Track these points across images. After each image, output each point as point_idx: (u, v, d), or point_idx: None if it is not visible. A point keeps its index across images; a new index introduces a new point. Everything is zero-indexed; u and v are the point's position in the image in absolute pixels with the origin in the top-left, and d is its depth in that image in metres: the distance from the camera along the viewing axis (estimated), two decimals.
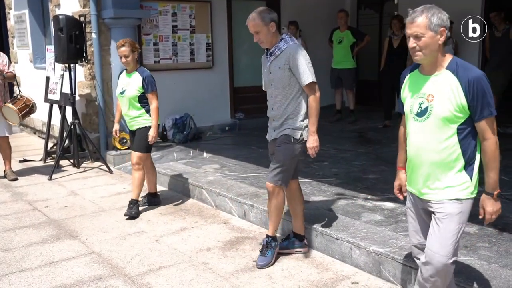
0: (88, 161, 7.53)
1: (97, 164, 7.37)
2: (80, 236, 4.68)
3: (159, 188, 6.02)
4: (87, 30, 7.33)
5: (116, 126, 5.44)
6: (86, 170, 7.14)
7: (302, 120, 3.79)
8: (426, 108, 2.60)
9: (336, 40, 9.06)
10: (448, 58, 2.60)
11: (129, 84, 4.95)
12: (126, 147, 7.16)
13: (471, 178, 2.63)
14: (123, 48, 4.85)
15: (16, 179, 6.68)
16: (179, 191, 5.93)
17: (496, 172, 2.59)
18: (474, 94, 2.47)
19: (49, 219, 5.16)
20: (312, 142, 3.78)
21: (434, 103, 2.57)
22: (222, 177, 5.83)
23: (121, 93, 4.98)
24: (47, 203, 5.69)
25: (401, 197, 3.02)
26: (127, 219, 5.06)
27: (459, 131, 2.57)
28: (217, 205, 5.32)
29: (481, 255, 3.57)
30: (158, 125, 5.07)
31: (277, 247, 4.03)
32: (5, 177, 6.75)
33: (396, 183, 3.05)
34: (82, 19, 7.01)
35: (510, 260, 3.47)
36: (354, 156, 6.78)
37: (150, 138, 4.97)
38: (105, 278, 3.80)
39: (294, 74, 3.72)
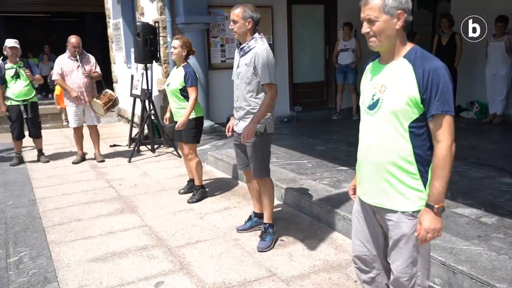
0: (164, 147, 7.74)
1: (170, 149, 7.53)
2: (140, 211, 4.81)
3: (216, 172, 6.10)
4: (163, 34, 7.52)
5: (167, 114, 5.40)
6: (160, 155, 7.34)
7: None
8: (378, 100, 2.05)
9: None
10: (409, 46, 2.05)
11: (174, 78, 4.93)
12: None
13: (425, 186, 2.05)
14: (174, 41, 4.90)
15: (103, 161, 7.01)
16: (232, 174, 5.93)
17: (442, 182, 1.96)
18: (428, 86, 1.92)
19: (119, 196, 5.36)
20: (248, 129, 3.55)
21: (385, 94, 2.02)
22: None
23: (167, 85, 5.01)
24: (121, 182, 5.91)
25: (354, 198, 2.43)
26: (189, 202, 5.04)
27: (412, 128, 2.00)
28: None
29: (492, 246, 3.22)
30: (202, 117, 5.04)
31: (275, 233, 3.89)
32: (94, 159, 7.11)
33: (351, 183, 2.46)
34: (156, 25, 7.17)
35: None
36: None
37: (177, 124, 4.84)
38: (149, 248, 3.88)
39: (257, 74, 3.59)
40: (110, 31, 11.26)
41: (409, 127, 2.00)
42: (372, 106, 2.10)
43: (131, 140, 8.03)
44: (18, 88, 6.72)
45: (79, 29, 20.64)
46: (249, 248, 3.82)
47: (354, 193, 2.42)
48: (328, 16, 9.31)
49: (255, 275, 3.36)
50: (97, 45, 19.54)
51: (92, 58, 6.79)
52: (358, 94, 8.60)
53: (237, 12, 3.61)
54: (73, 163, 6.96)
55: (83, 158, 7.10)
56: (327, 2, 9.20)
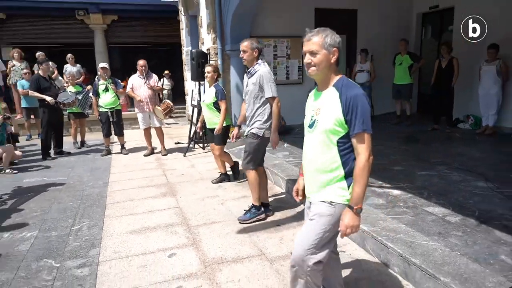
0: None
1: None
2: (178, 195, 4.78)
3: None
4: (214, 59, 7.48)
5: (199, 124, 5.41)
6: (208, 151, 7.30)
7: (265, 123, 3.67)
8: (314, 121, 2.00)
9: (398, 62, 8.03)
10: (338, 76, 1.98)
11: (208, 95, 4.88)
12: None
13: (349, 187, 1.98)
14: (208, 67, 4.85)
15: (166, 155, 7.09)
16: None
17: (361, 187, 1.89)
18: (350, 110, 1.87)
19: (168, 182, 5.36)
20: (274, 138, 3.64)
21: (319, 116, 1.97)
22: (285, 161, 5.53)
23: (203, 101, 4.95)
24: (172, 172, 5.92)
25: (297, 199, 2.29)
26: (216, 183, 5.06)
27: (340, 144, 1.94)
28: (274, 181, 5.06)
29: (448, 242, 2.84)
30: (229, 126, 4.93)
31: (258, 214, 3.83)
32: (160, 152, 7.22)
33: (294, 187, 2.33)
34: (207, 51, 7.13)
35: (473, 250, 2.71)
36: (394, 151, 5.92)
37: (215, 131, 4.80)
38: (174, 226, 3.82)
39: (262, 90, 3.59)
40: (183, 56, 11.45)
41: (337, 142, 1.96)
42: (311, 126, 2.05)
43: (190, 139, 8.07)
44: (107, 99, 6.96)
45: (171, 56, 21.29)
46: (250, 231, 3.65)
47: (297, 195, 2.31)
48: (349, 44, 8.87)
49: (248, 254, 3.19)
50: (181, 68, 20.05)
51: (155, 76, 6.89)
52: (371, 107, 8.18)
53: (245, 44, 3.64)
54: (144, 155, 7.11)
55: (152, 152, 7.23)
56: (349, 33, 8.75)
